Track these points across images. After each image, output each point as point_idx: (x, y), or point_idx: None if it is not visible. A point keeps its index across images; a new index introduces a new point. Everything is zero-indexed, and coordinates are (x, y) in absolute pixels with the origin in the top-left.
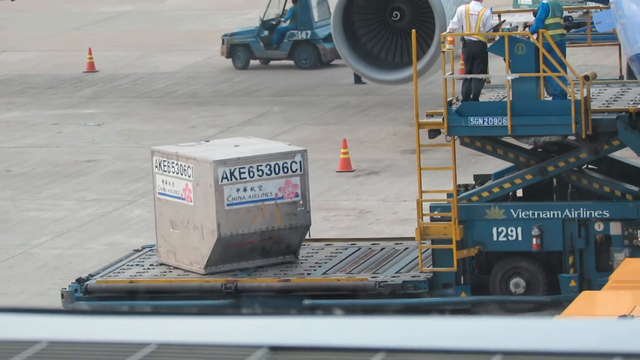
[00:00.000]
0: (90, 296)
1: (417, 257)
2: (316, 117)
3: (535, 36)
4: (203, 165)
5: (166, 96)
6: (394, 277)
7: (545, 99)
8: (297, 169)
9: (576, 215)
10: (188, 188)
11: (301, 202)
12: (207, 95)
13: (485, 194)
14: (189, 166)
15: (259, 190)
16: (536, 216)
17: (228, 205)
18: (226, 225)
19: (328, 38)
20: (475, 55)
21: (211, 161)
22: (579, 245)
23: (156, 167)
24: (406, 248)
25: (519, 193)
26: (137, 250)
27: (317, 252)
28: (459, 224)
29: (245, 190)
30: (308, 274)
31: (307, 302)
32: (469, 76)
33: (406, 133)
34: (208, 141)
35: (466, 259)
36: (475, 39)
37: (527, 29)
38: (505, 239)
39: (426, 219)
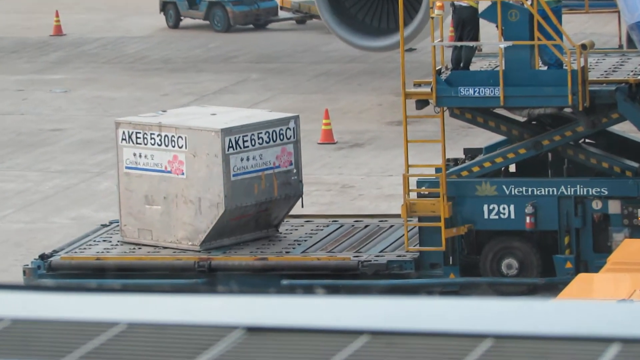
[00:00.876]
0: (54, 273)
1: (403, 235)
2: (296, 85)
3: (529, 2)
4: (205, 134)
5: (137, 62)
6: (378, 256)
7: (540, 68)
8: (291, 136)
9: (572, 193)
10: (178, 160)
11: (295, 170)
12: (181, 61)
13: (475, 168)
14: (180, 136)
15: (259, 159)
16: (530, 193)
17: (234, 175)
18: (232, 197)
19: (238, 1)
20: (465, 22)
21: (219, 130)
22: (575, 225)
23: (123, 139)
24: (391, 226)
25: (512, 168)
26: (104, 225)
27: (296, 229)
28: (447, 201)
29: (248, 159)
30: (287, 252)
31: (285, 282)
32: (459, 43)
33: (392, 103)
34: (165, 111)
35: (455, 238)
36: (465, 4)
37: None
38: (497, 217)
39: (413, 195)
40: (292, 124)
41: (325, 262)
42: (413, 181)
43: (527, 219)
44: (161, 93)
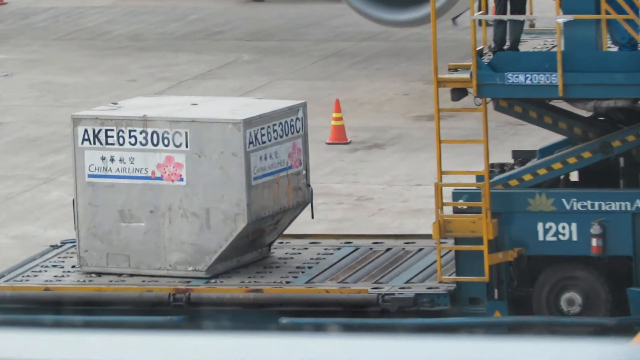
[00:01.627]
0: None
1: (435, 261)
2: (299, 69)
3: None
4: (219, 128)
5: (98, 38)
6: (403, 288)
7: (609, 49)
8: (300, 128)
9: None
10: (173, 162)
11: (304, 171)
12: (153, 37)
13: (527, 177)
14: (177, 132)
15: (275, 157)
16: (597, 208)
17: (255, 179)
18: (253, 207)
19: None
20: None
21: (240, 120)
22: None
23: (85, 140)
24: (420, 249)
25: (574, 177)
26: (54, 247)
27: (299, 253)
28: (492, 218)
29: (266, 158)
30: (287, 282)
31: (285, 320)
32: (505, 17)
33: (421, 93)
34: (116, 103)
35: (502, 265)
36: None
37: None
38: (554, 238)
39: (447, 210)
40: (300, 114)
41: (336, 295)
42: (448, 192)
43: (593, 242)
44: (127, 78)
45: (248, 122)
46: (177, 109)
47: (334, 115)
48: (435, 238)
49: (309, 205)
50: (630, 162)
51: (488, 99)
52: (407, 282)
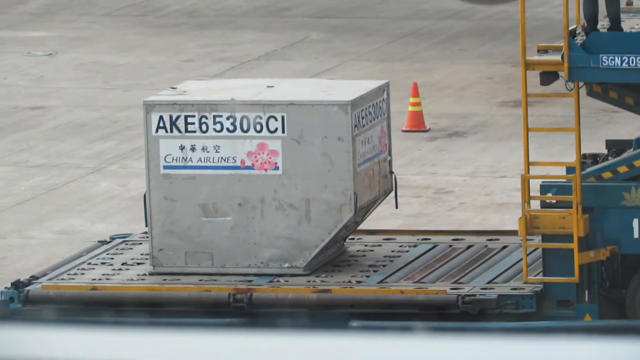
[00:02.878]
0: (32, 307)
1: (520, 260)
2: (373, 49)
3: None
4: (322, 110)
5: (151, 14)
6: (485, 289)
7: None
8: (385, 111)
9: None
10: (267, 150)
11: (389, 157)
12: (212, 13)
13: (623, 169)
14: (272, 117)
15: (370, 142)
16: None
17: (359, 165)
18: (359, 196)
19: None
20: None
21: (347, 102)
22: None
23: (161, 128)
24: (504, 247)
25: None
26: (103, 242)
27: (371, 250)
28: (583, 213)
29: (365, 143)
30: (357, 281)
31: (355, 323)
32: None
33: (507, 76)
34: (175, 88)
35: (593, 264)
36: None
37: None
38: None
39: (535, 205)
40: (385, 94)
41: (411, 296)
42: (535, 185)
43: None
44: (183, 58)
45: (354, 104)
46: (258, 92)
47: (412, 100)
48: (521, 235)
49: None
50: None
51: (581, 84)
52: (489, 283)
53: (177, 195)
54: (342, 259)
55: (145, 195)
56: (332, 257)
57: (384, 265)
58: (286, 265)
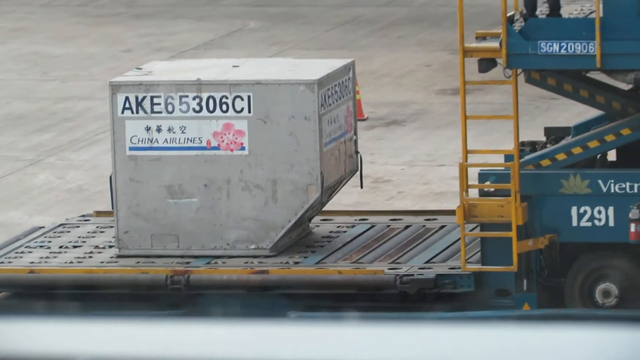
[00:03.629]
0: None
1: (458, 240)
2: (312, 37)
3: None
4: (288, 89)
5: (89, 4)
6: (423, 268)
7: None
8: (351, 90)
9: None
10: (233, 130)
11: (355, 137)
12: (150, 3)
13: (561, 156)
14: (238, 96)
15: (336, 122)
16: (636, 191)
17: (325, 145)
18: (326, 176)
19: None
20: None
21: (314, 81)
22: None
23: (127, 109)
24: (442, 226)
25: (612, 156)
26: (41, 228)
27: (309, 232)
28: (521, 202)
29: (331, 122)
30: (295, 262)
31: (293, 314)
32: None
33: (445, 64)
34: (140, 69)
35: (532, 253)
36: None
37: None
38: (589, 224)
39: (473, 193)
40: (351, 73)
41: (349, 276)
42: (474, 173)
43: (632, 227)
44: (122, 48)
45: (320, 83)
46: (224, 71)
47: None
48: (459, 223)
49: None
50: None
51: (519, 71)
52: (427, 262)
53: (142, 176)
54: (310, 240)
55: (110, 177)
56: (298, 239)
57: (321, 246)
58: (252, 246)
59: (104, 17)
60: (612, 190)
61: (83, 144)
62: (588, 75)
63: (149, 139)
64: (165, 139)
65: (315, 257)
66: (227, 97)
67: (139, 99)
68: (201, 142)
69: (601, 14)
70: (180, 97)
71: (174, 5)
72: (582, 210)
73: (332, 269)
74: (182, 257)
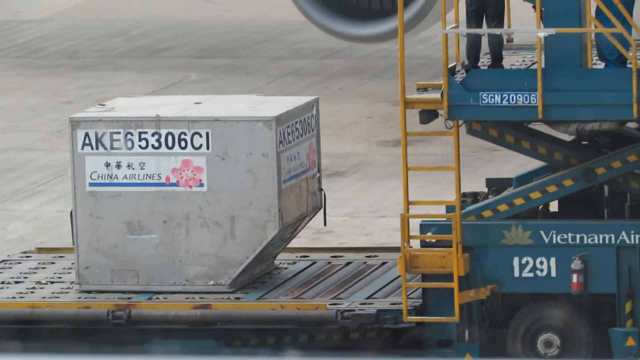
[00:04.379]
0: None
1: (399, 277)
2: (253, 89)
3: None
4: (247, 126)
5: (31, 55)
6: (364, 304)
7: (595, 66)
8: (314, 127)
9: (637, 241)
10: (192, 167)
11: (318, 175)
12: (92, 54)
13: (503, 207)
14: (196, 133)
15: (297, 159)
16: (578, 242)
17: (284, 182)
18: (284, 213)
19: None
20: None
21: (272, 118)
22: None
23: (86, 145)
24: (383, 263)
25: (554, 207)
26: None
27: (274, 269)
28: (463, 252)
29: (292, 159)
30: (237, 298)
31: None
32: (481, 31)
33: (386, 115)
34: (104, 105)
35: (473, 304)
36: None
37: None
38: (531, 275)
39: (415, 244)
40: (314, 110)
41: (291, 311)
42: (415, 224)
43: (574, 278)
44: (63, 100)
45: (279, 120)
46: (184, 108)
47: None
48: (401, 274)
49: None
50: (615, 191)
51: (460, 122)
52: (368, 298)
53: (102, 212)
54: (270, 277)
55: (71, 213)
56: (260, 275)
57: (263, 282)
58: (211, 282)
59: (45, 68)
60: (554, 241)
61: (25, 194)
62: (530, 126)
63: (108, 174)
64: (125, 175)
65: (257, 293)
66: (185, 134)
67: (99, 135)
68: (160, 178)
69: (543, 65)
70: (140, 133)
71: (115, 57)
72: (523, 261)
73: (273, 302)
74: (141, 292)
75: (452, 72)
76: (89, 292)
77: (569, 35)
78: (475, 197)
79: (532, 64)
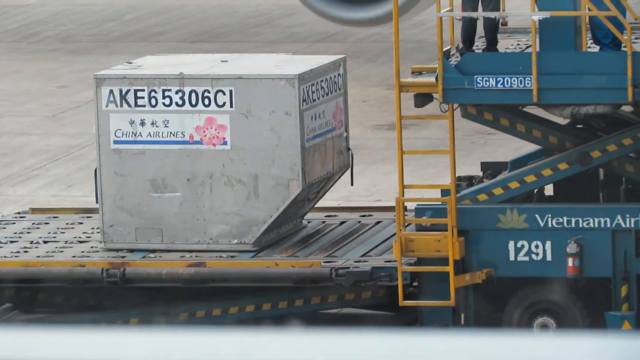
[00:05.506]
0: None
1: (394, 234)
2: None
3: None
4: (269, 84)
5: (24, 40)
6: (358, 261)
7: (589, 49)
8: (341, 86)
9: (633, 225)
10: (215, 124)
11: (345, 133)
12: (86, 39)
13: (498, 191)
14: (220, 91)
15: (322, 117)
16: (574, 225)
17: (308, 141)
18: (308, 172)
19: None
20: None
21: (294, 76)
22: (636, 270)
23: (111, 102)
24: (378, 222)
25: (549, 191)
26: None
27: (301, 229)
28: (458, 236)
29: (316, 118)
30: (231, 256)
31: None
32: (475, 14)
33: (381, 99)
34: (131, 63)
35: (469, 287)
36: None
37: None
38: (527, 258)
39: (410, 228)
40: (341, 69)
41: (286, 269)
42: (411, 208)
43: (569, 262)
44: (57, 84)
45: (302, 78)
46: (210, 66)
47: None
48: (397, 258)
49: (348, 170)
50: (610, 175)
51: (455, 105)
52: (363, 256)
53: (127, 170)
54: (299, 237)
55: (95, 171)
56: (287, 234)
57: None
58: (235, 241)
59: (39, 53)
60: (550, 225)
61: (20, 179)
62: (525, 109)
63: (132, 132)
64: (149, 133)
65: (251, 252)
66: (209, 92)
67: (123, 92)
68: (184, 136)
69: (538, 49)
70: (163, 90)
71: (109, 41)
72: (519, 244)
73: (268, 260)
74: (166, 251)
75: (446, 55)
76: (115, 250)
77: (564, 19)
78: (470, 180)
79: (527, 47)
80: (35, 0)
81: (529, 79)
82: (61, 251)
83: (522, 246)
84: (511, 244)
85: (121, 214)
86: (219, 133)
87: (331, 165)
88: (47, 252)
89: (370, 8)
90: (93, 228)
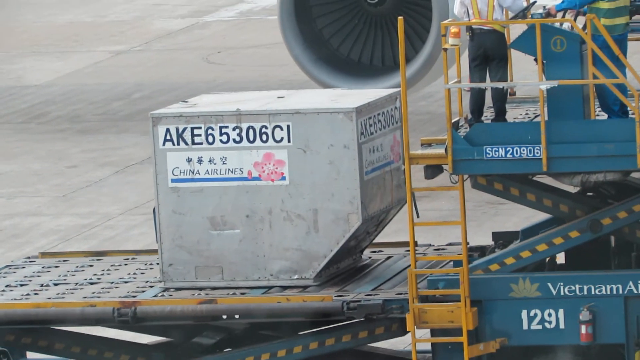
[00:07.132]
0: None
1: (407, 267)
2: None
3: (581, 26)
4: (327, 118)
5: (33, 121)
6: (370, 295)
7: (598, 117)
8: (398, 119)
9: None
10: (273, 160)
11: (403, 167)
12: (95, 118)
13: (510, 260)
14: (277, 126)
15: (380, 150)
16: (586, 293)
17: (366, 174)
18: (367, 206)
19: None
20: (489, 53)
21: (352, 109)
22: None
23: (168, 141)
24: (388, 257)
25: (560, 259)
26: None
27: (361, 263)
28: (471, 306)
29: (374, 151)
30: (242, 293)
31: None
32: (483, 85)
33: None
34: (186, 102)
35: (483, 357)
36: (488, 28)
37: (569, 14)
38: (540, 327)
39: (423, 299)
40: (397, 102)
41: (298, 304)
42: (421, 243)
43: (583, 329)
44: (67, 164)
45: (359, 111)
46: (267, 102)
47: None
48: (410, 330)
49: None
50: (621, 242)
51: (465, 176)
52: (374, 289)
53: (185, 208)
54: (357, 271)
55: (154, 210)
56: (347, 269)
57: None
58: (296, 276)
59: (48, 133)
60: (562, 293)
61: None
62: (535, 179)
63: (190, 170)
64: (207, 170)
65: (262, 288)
66: (266, 127)
67: (180, 131)
68: (242, 172)
69: (546, 118)
70: (220, 127)
71: (118, 120)
72: (532, 313)
73: (279, 296)
74: (227, 288)
75: (455, 126)
76: (181, 289)
77: (571, 87)
78: (482, 250)
79: (535, 116)
80: (43, 81)
81: (538, 148)
82: (72, 292)
83: (535, 315)
84: (524, 313)
85: (180, 252)
86: (277, 168)
87: (390, 199)
88: (58, 293)
89: (379, 81)
90: (138, 269)
